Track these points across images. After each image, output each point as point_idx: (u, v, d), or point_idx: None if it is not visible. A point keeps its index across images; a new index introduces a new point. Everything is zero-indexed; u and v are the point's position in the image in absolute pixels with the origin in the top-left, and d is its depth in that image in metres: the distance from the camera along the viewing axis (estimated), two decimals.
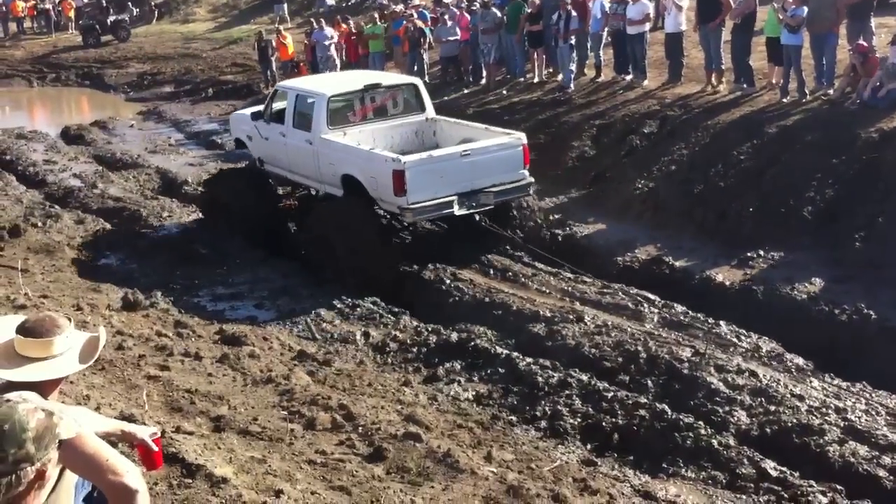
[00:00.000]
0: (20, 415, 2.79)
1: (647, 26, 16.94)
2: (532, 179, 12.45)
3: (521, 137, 12.42)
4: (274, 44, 25.23)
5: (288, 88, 14.13)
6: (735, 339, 9.55)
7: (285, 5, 32.96)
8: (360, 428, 7.10)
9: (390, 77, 15.53)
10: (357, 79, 14.34)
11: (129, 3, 38.82)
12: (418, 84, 14.16)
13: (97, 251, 13.79)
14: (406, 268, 12.03)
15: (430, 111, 13.73)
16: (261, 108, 14.62)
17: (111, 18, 37.11)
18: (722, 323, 9.90)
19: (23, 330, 3.66)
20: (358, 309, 11.09)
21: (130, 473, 3.65)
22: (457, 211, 11.87)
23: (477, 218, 12.35)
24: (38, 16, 42.07)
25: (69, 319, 3.74)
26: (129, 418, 5.96)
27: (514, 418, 8.14)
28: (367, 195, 12.05)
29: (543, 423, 8.03)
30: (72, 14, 40.27)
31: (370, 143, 12.71)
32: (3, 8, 42.02)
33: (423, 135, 13.54)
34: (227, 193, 14.16)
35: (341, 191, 12.55)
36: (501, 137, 12.52)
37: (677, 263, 11.80)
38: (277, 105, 13.90)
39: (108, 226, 15.06)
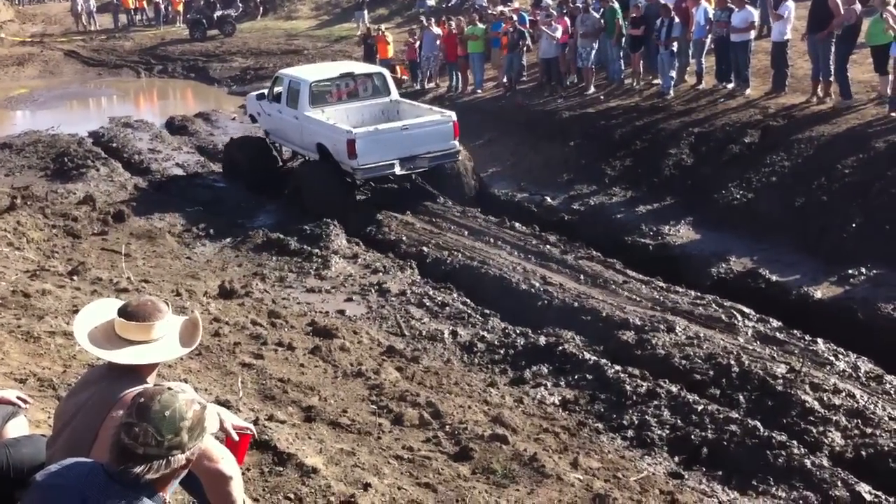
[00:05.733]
0: (180, 404, 2.93)
1: (752, 34, 16.56)
2: (460, 148, 15.48)
3: (451, 115, 15.44)
4: (375, 42, 25.49)
5: (284, 75, 17.47)
6: (832, 358, 9.28)
7: (365, 12, 33.19)
8: (447, 426, 7.14)
9: (362, 66, 19.10)
10: (335, 68, 18.11)
11: None
12: (385, 73, 17.55)
13: (196, 239, 14.19)
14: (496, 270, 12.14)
15: (395, 94, 16.97)
16: (265, 90, 17.99)
17: (217, 13, 37.96)
18: (819, 340, 9.64)
19: (125, 313, 3.77)
20: (447, 308, 11.16)
21: (225, 460, 3.76)
22: (397, 171, 15.00)
23: (413, 177, 15.53)
24: (148, 6, 43.32)
25: (167, 304, 3.86)
26: (225, 404, 6.12)
27: (600, 426, 8.10)
28: (333, 158, 15.11)
29: (630, 433, 7.96)
30: (180, 8, 41.42)
31: (344, 120, 15.80)
32: (115, 0, 43.46)
33: (388, 113, 16.58)
34: (242, 155, 17.53)
35: (317, 155, 15.72)
36: (435, 115, 15.64)
37: (774, 277, 11.54)
38: (277, 88, 17.15)
39: (207, 214, 15.51)
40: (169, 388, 3.00)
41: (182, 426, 2.89)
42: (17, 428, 4.50)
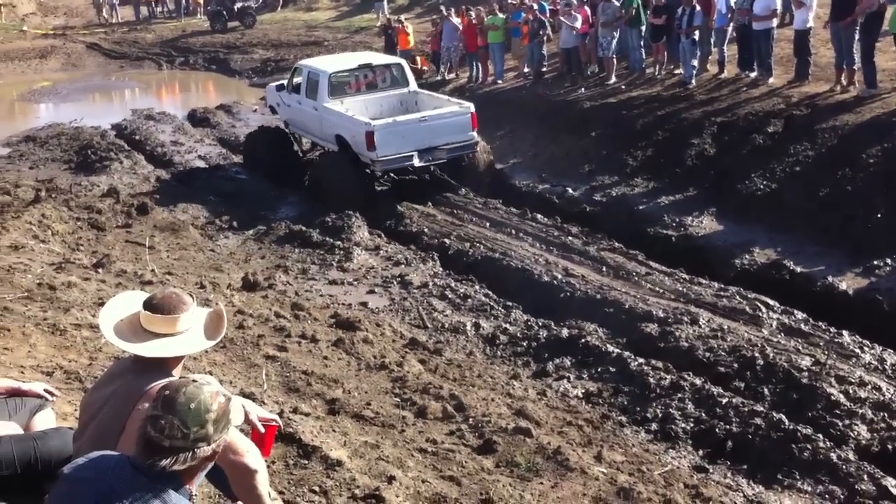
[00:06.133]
0: (205, 396, 2.96)
1: (774, 22, 16.41)
2: (479, 139, 15.48)
3: (469, 107, 15.41)
4: (396, 33, 25.43)
5: (303, 66, 17.42)
6: (858, 350, 9.20)
7: (385, 3, 33.10)
8: (471, 419, 7.14)
9: (381, 57, 18.81)
10: (354, 59, 17.84)
11: None
12: (403, 64, 17.55)
13: (219, 231, 14.25)
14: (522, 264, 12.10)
15: (413, 85, 17.02)
16: (284, 81, 18.00)
17: (238, 5, 38.05)
18: (844, 333, 9.55)
19: (150, 306, 3.78)
20: (469, 300, 11.15)
21: (251, 453, 3.77)
22: (416, 163, 15.02)
23: (432, 168, 15.44)
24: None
25: (191, 296, 3.87)
26: (249, 396, 6.14)
27: (624, 419, 8.07)
28: (352, 150, 15.18)
29: (654, 426, 7.93)
30: (200, 0, 41.52)
31: (363, 111, 15.88)
32: None
33: (406, 104, 16.63)
34: (262, 146, 17.71)
35: (336, 147, 15.78)
36: (454, 107, 15.60)
37: (798, 268, 11.45)
38: (296, 80, 17.20)
39: (230, 206, 15.58)
40: (194, 381, 3.03)
41: (207, 418, 2.92)
42: (45, 421, 4.55)
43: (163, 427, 2.87)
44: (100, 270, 10.58)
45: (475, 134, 15.39)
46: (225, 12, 37.93)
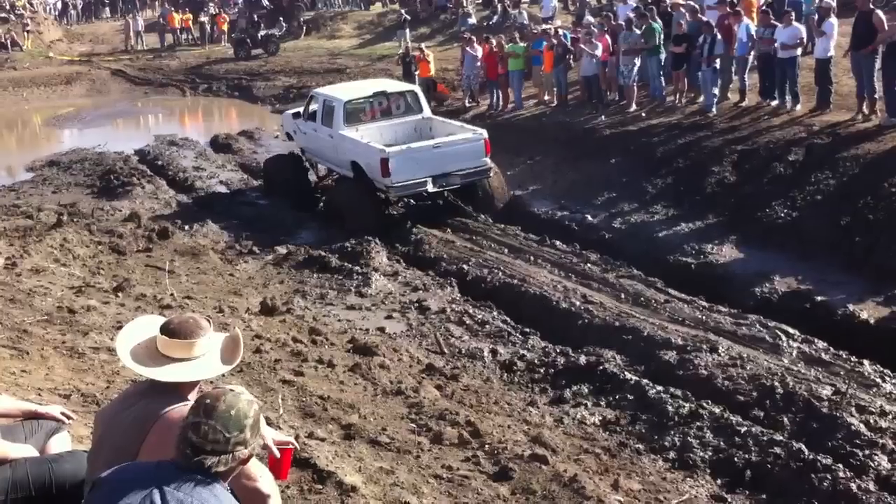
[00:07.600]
0: (243, 404, 3.13)
1: (800, 51, 16.37)
2: (492, 165, 15.60)
3: (482, 133, 15.65)
4: (415, 61, 25.53)
5: (319, 94, 17.64)
6: (879, 380, 9.11)
7: (407, 31, 33.28)
8: (487, 446, 7.11)
9: (395, 85, 18.96)
10: (369, 87, 18.13)
11: (280, 19, 40.09)
12: (417, 91, 17.76)
13: (239, 255, 14.31)
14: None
15: (427, 112, 17.14)
16: (300, 109, 18.16)
17: (262, 33, 38.33)
18: (865, 362, 9.46)
19: (167, 331, 3.80)
20: (487, 326, 11.13)
21: (264, 478, 3.77)
22: (430, 188, 15.25)
23: (445, 194, 15.76)
24: (194, 26, 43.77)
25: (209, 321, 3.89)
26: (265, 421, 6.13)
27: (641, 447, 8.00)
28: (367, 176, 15.38)
29: (672, 454, 7.86)
30: (225, 27, 41.93)
31: (378, 138, 16.04)
32: (161, 20, 44.15)
33: (420, 130, 16.73)
34: (279, 172, 18.03)
35: (351, 173, 15.99)
36: (467, 133, 15.79)
37: (819, 297, 11.35)
38: (312, 107, 17.38)
39: (250, 231, 15.66)
40: (231, 390, 3.19)
41: (246, 423, 3.09)
42: (61, 444, 4.57)
43: (206, 432, 3.03)
44: (119, 294, 10.65)
45: (488, 160, 15.54)
46: (249, 40, 38.23)
